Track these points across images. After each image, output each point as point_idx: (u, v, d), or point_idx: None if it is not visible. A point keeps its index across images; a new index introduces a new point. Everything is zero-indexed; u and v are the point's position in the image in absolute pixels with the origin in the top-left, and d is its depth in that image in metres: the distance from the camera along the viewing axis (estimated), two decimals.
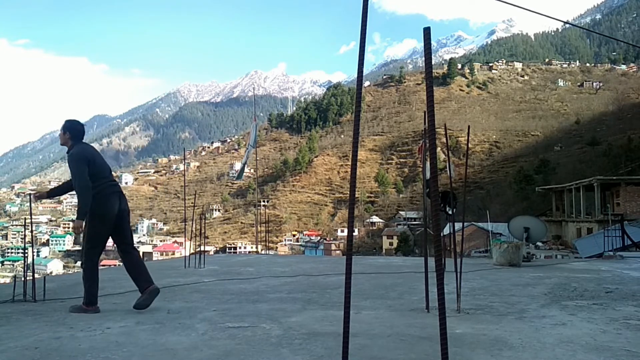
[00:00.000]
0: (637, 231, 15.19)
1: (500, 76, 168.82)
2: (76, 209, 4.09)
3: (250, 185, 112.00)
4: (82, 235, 4.06)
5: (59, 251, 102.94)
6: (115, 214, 4.11)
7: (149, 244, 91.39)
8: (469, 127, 6.28)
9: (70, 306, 4.07)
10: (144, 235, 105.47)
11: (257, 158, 28.90)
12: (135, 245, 4.53)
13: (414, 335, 3.21)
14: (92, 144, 4.55)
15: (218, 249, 75.11)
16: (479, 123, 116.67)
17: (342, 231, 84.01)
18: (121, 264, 4.52)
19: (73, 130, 4.21)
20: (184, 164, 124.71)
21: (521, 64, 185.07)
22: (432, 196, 2.20)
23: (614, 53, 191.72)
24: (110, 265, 41.57)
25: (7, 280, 30.42)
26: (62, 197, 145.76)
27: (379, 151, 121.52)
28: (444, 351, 1.71)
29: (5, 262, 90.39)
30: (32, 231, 5.08)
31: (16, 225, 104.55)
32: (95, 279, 4.01)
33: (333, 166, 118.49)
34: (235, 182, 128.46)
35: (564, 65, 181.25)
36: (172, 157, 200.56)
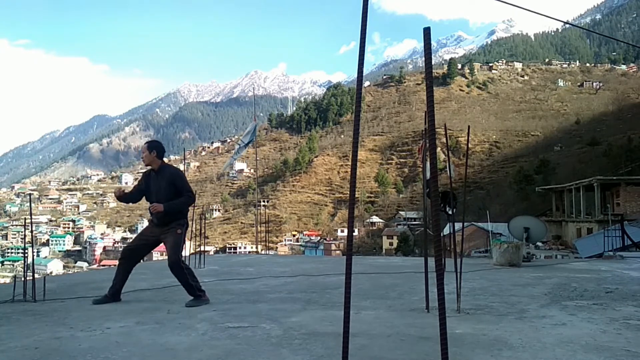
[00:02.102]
0: (637, 231, 15.16)
1: (500, 76, 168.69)
2: (170, 206, 4.33)
3: (250, 185, 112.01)
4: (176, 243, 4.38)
5: (59, 251, 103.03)
6: None
7: None
8: (469, 127, 6.28)
9: (189, 304, 4.23)
10: None
11: (257, 158, 28.90)
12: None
13: (414, 335, 3.21)
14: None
15: (218, 249, 75.14)
16: (479, 123, 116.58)
17: (342, 231, 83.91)
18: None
19: (160, 150, 4.55)
20: (184, 164, 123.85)
21: (521, 64, 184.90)
22: (432, 196, 2.20)
23: (614, 53, 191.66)
24: (110, 266, 41.61)
25: (7, 280, 30.42)
26: (61, 197, 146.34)
27: (379, 151, 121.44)
28: (444, 351, 1.71)
29: (5, 262, 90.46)
30: (32, 231, 5.08)
31: (16, 225, 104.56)
32: (192, 273, 4.42)
33: (333, 166, 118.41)
34: (235, 182, 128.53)
35: (564, 65, 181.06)
36: (172, 157, 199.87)
